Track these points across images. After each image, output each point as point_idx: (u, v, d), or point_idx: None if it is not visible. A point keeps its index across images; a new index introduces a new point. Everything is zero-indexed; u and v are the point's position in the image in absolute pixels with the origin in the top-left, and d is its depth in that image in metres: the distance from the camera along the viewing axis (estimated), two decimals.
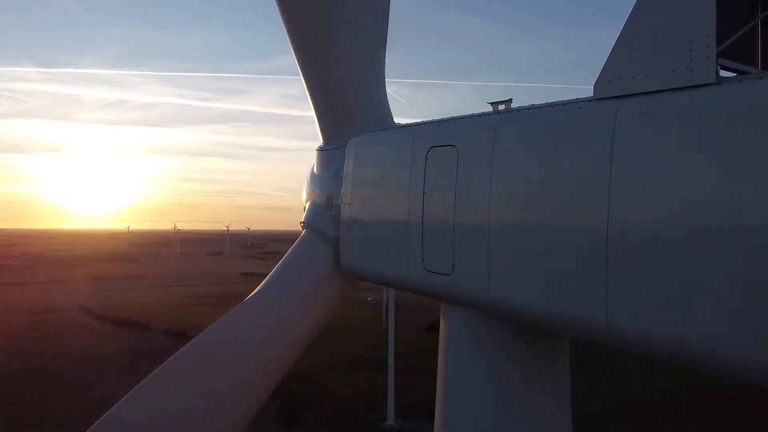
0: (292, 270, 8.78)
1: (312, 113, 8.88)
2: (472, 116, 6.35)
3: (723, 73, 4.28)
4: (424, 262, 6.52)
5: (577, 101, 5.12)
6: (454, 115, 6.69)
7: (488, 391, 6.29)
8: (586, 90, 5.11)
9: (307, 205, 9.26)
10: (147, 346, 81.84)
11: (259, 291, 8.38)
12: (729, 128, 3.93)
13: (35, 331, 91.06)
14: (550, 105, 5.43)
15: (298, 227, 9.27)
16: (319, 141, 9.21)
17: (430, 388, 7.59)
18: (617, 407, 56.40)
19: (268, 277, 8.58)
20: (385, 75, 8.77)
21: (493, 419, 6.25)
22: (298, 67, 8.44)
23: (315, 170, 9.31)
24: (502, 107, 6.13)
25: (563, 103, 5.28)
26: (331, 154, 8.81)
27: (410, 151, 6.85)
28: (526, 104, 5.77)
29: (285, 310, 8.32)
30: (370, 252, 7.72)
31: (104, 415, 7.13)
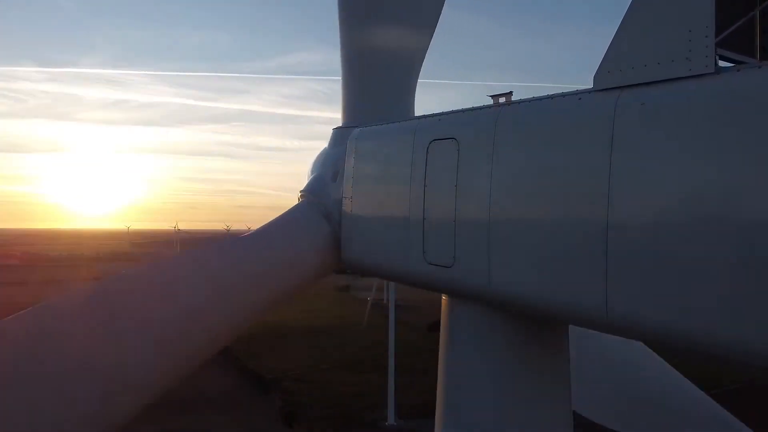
0: (280, 227, 8.02)
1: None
2: (472, 109, 6.38)
3: (722, 64, 4.31)
4: (425, 255, 6.55)
5: (577, 93, 5.18)
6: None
7: (489, 384, 6.32)
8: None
9: (310, 178, 8.79)
10: None
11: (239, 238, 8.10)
12: (728, 117, 3.98)
13: None
14: (551, 97, 5.47)
15: None
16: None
17: (431, 388, 7.60)
18: None
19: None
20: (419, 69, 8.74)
21: (495, 412, 6.28)
22: (342, 36, 8.46)
23: (328, 147, 8.92)
24: (502, 100, 6.16)
25: (563, 95, 5.33)
26: (347, 131, 8.47)
27: (411, 145, 6.88)
28: (527, 97, 5.81)
29: (265, 255, 7.56)
30: (371, 245, 7.74)
31: None
